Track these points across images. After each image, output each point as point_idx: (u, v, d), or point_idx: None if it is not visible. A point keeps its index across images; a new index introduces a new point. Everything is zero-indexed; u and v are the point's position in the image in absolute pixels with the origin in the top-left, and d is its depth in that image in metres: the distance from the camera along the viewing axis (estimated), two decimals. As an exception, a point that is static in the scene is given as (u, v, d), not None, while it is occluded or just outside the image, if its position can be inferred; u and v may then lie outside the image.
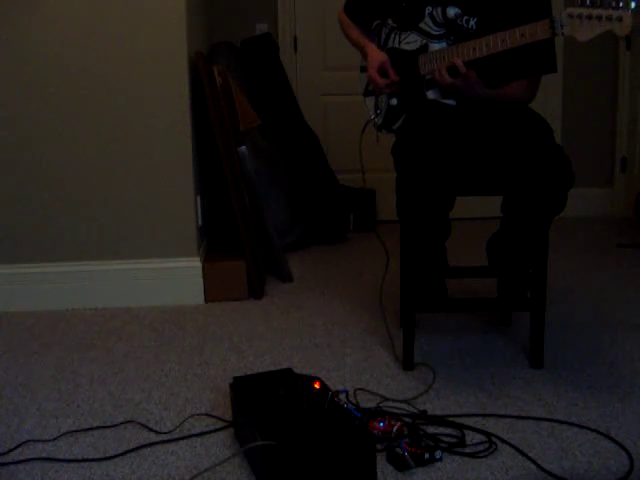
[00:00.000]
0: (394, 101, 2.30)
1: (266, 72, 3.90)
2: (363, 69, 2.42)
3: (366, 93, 2.42)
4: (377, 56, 2.26)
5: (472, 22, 2.13)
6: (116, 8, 2.76)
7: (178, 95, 2.84)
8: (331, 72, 4.25)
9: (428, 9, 2.17)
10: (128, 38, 2.79)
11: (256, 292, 2.99)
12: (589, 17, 1.63)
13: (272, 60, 3.92)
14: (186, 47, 2.83)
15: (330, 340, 2.50)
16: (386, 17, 2.34)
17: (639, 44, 4.17)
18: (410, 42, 2.23)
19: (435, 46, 2.17)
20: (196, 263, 2.95)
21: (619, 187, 4.42)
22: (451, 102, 2.19)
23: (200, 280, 2.94)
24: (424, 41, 2.19)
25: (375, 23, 2.37)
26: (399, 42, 2.26)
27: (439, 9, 2.14)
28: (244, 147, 3.10)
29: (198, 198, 3.02)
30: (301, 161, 3.91)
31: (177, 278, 2.93)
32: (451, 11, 2.13)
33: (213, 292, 2.95)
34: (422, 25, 2.19)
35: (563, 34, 1.74)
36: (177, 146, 2.87)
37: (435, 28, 2.16)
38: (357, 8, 2.43)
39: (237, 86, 3.26)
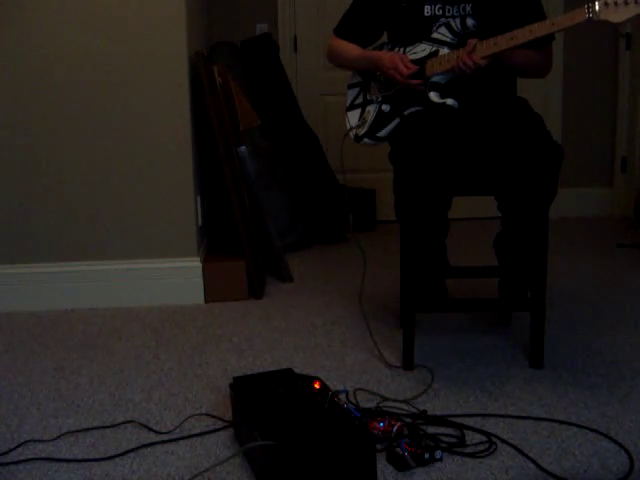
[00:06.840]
0: (386, 107, 2.31)
1: (266, 72, 3.89)
2: (351, 86, 2.44)
3: (350, 108, 2.43)
4: (396, 54, 2.25)
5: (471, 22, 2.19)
6: (116, 8, 2.77)
7: (178, 95, 2.84)
8: (331, 72, 4.22)
9: (438, 21, 2.20)
10: (128, 38, 2.79)
11: (256, 292, 2.99)
12: (625, 2, 1.87)
13: (272, 60, 3.92)
14: (186, 47, 2.83)
15: (330, 340, 2.50)
16: (386, 28, 2.35)
17: (639, 44, 4.17)
18: (417, 52, 2.25)
19: (445, 51, 2.20)
20: (196, 263, 2.95)
21: (619, 187, 4.41)
22: (453, 103, 2.20)
23: (200, 280, 2.94)
24: (434, 48, 2.21)
25: (376, 44, 2.38)
26: (404, 53, 2.28)
27: (457, 20, 2.18)
28: (244, 147, 3.10)
29: (198, 198, 3.02)
30: (301, 161, 3.90)
31: (177, 278, 2.93)
32: (469, 21, 2.18)
33: (213, 292, 2.95)
34: (435, 35, 2.22)
35: (598, 17, 1.91)
36: (177, 146, 2.87)
37: (451, 37, 2.20)
38: (353, 25, 2.40)
39: (237, 86, 3.26)
